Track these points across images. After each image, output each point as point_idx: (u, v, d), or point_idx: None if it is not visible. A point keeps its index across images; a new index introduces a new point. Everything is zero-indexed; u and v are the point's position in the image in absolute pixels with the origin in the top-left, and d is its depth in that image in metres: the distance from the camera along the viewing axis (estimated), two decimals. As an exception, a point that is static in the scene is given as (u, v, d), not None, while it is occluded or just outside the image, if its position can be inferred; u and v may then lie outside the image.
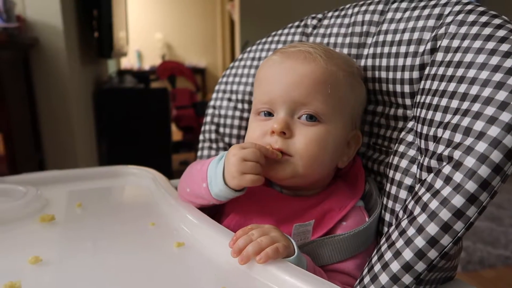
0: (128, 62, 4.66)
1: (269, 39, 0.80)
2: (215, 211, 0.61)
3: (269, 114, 0.58)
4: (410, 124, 0.58)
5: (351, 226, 0.55)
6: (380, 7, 0.65)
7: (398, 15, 0.61)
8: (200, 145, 0.82)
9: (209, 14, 5.11)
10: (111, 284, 0.42)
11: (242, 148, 0.53)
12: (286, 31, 0.78)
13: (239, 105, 0.80)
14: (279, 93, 0.56)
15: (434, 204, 0.44)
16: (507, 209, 2.19)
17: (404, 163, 0.55)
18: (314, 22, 0.75)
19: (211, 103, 0.83)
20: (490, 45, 0.46)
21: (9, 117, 1.52)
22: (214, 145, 0.81)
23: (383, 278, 0.46)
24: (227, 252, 0.46)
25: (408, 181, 0.54)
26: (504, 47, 0.45)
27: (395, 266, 0.45)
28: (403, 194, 0.54)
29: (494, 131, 0.41)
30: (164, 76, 3.20)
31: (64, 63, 1.83)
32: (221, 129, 0.80)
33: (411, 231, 0.45)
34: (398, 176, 0.55)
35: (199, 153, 0.81)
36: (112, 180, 0.73)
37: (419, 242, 0.44)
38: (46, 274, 0.42)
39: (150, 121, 2.41)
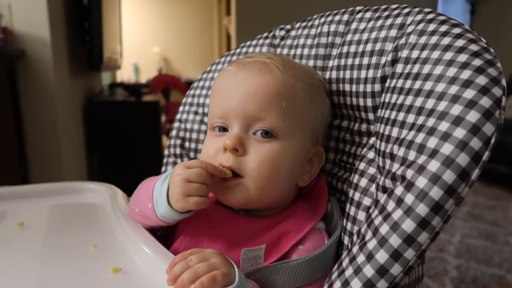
0: (125, 75, 4.67)
1: (237, 50, 0.77)
2: (169, 233, 0.57)
3: (224, 129, 0.54)
4: (371, 140, 0.54)
5: (308, 250, 0.51)
6: (345, 17, 0.62)
7: (362, 25, 0.58)
8: (164, 160, 0.78)
9: (206, 29, 5.14)
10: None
11: (187, 167, 0.49)
12: (254, 42, 0.76)
13: (206, 119, 0.76)
14: (233, 106, 0.52)
15: (384, 229, 0.40)
16: (502, 227, 2.13)
17: (363, 182, 0.51)
18: (282, 33, 0.72)
19: (178, 116, 0.80)
20: (448, 55, 0.43)
21: (-11, 129, 1.50)
22: (178, 160, 0.77)
23: (332, 310, 0.41)
24: (165, 279, 0.42)
25: (366, 201, 0.50)
26: (462, 57, 0.41)
27: (343, 298, 0.41)
28: (361, 215, 0.50)
29: (447, 148, 0.38)
30: (158, 90, 3.19)
31: (52, 75, 1.81)
32: (187, 144, 0.77)
33: (360, 258, 0.41)
34: (357, 196, 0.51)
35: (163, 168, 0.78)
36: (67, 197, 0.69)
37: (368, 271, 0.40)
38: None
39: (141, 134, 2.39)
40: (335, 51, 0.62)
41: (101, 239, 0.54)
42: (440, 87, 0.41)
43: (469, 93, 0.39)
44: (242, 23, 3.31)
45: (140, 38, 4.86)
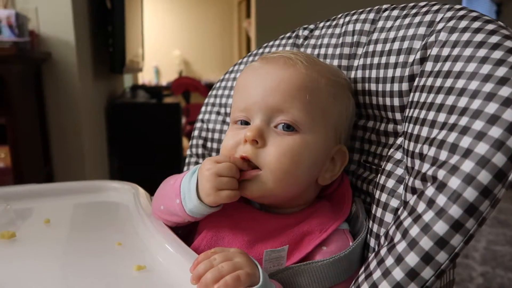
0: (146, 78, 4.74)
1: (260, 50, 0.76)
2: (189, 232, 0.57)
3: (246, 123, 0.53)
4: (399, 141, 0.53)
5: (332, 252, 0.49)
6: (371, 15, 0.61)
7: (389, 24, 0.57)
8: (186, 160, 0.78)
9: (226, 31, 5.17)
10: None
11: (216, 162, 0.49)
12: (277, 42, 0.75)
13: (228, 119, 0.76)
14: (255, 99, 0.51)
15: (414, 231, 0.38)
16: (531, 234, 2.06)
17: (390, 183, 0.50)
18: (306, 32, 0.71)
19: (200, 116, 0.80)
20: (482, 52, 0.41)
21: (16, 130, 1.54)
22: (200, 160, 0.77)
23: (358, 314, 0.40)
24: (189, 278, 0.41)
25: (394, 203, 0.48)
26: (497, 54, 0.40)
27: (371, 301, 0.40)
28: (388, 217, 0.48)
29: (482, 148, 0.36)
30: (179, 92, 3.22)
31: (76, 78, 1.85)
32: (209, 144, 0.77)
33: (389, 261, 0.40)
34: (384, 197, 0.50)
35: (185, 168, 0.78)
36: (91, 196, 0.70)
37: (397, 274, 0.38)
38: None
39: (162, 136, 2.41)
40: (360, 50, 0.60)
41: (125, 237, 0.54)
42: (474, 85, 0.40)
43: (506, 91, 0.37)
44: (262, 25, 3.32)
45: (161, 41, 4.92)
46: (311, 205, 0.56)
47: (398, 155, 0.51)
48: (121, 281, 0.44)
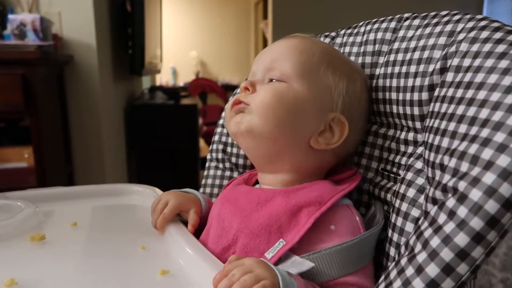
0: (164, 79, 4.79)
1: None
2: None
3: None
4: (419, 150, 0.53)
5: (341, 231, 0.49)
6: (392, 24, 0.61)
7: (410, 33, 0.57)
8: (207, 164, 0.80)
9: (243, 33, 5.19)
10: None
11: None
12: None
13: (248, 125, 0.77)
14: (257, 64, 0.58)
15: (435, 242, 0.39)
16: (554, 240, 2.01)
17: (411, 192, 0.50)
18: (327, 40, 0.72)
19: (220, 121, 0.81)
20: (504, 63, 0.41)
21: (40, 130, 1.58)
22: (220, 165, 0.78)
23: (378, 322, 0.41)
24: (210, 281, 0.42)
25: (415, 212, 0.49)
26: (519, 66, 0.40)
27: (391, 310, 0.40)
28: (409, 226, 0.49)
29: (504, 160, 0.36)
30: (196, 93, 3.25)
31: (97, 80, 1.89)
32: (229, 149, 0.78)
33: (409, 271, 0.40)
34: (404, 207, 0.50)
35: (205, 172, 0.79)
36: (115, 199, 0.72)
37: (418, 284, 0.39)
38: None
39: (179, 137, 2.44)
40: (382, 59, 0.61)
41: (148, 241, 0.55)
42: (495, 97, 0.40)
43: (527, 103, 0.37)
44: (278, 26, 3.32)
45: (178, 43, 4.97)
46: (310, 181, 0.55)
47: (419, 164, 0.52)
48: (146, 285, 0.46)
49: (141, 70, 2.19)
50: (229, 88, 3.78)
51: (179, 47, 4.97)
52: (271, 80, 0.55)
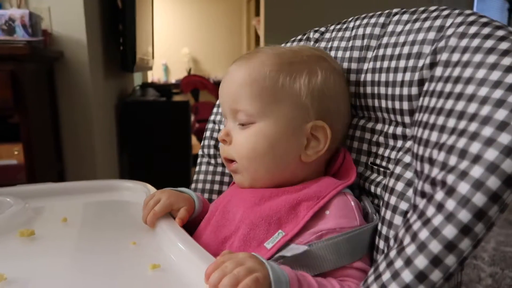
0: (155, 75, 4.76)
1: (270, 53, 0.77)
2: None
3: None
4: (408, 144, 0.53)
5: (335, 215, 0.52)
6: (381, 19, 0.61)
7: (399, 28, 0.57)
8: (198, 160, 0.80)
9: (235, 29, 5.18)
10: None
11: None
12: (288, 45, 0.76)
13: (239, 120, 0.77)
14: (223, 106, 0.60)
15: (424, 234, 0.39)
16: (541, 235, 2.04)
17: (400, 186, 0.51)
18: (317, 35, 0.72)
19: (212, 117, 0.81)
20: (491, 58, 0.42)
21: (30, 127, 1.57)
22: (212, 161, 0.78)
23: (367, 314, 0.41)
24: (202, 276, 0.42)
25: (403, 205, 0.49)
26: (506, 61, 0.40)
27: (380, 302, 0.41)
28: (397, 220, 0.49)
29: (491, 154, 0.37)
30: (188, 90, 3.24)
31: (87, 76, 1.88)
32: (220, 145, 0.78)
33: (398, 263, 0.41)
34: (393, 200, 0.51)
35: (197, 168, 0.79)
36: (106, 194, 0.72)
37: (406, 276, 0.39)
38: (7, 293, 0.41)
39: (172, 134, 2.43)
40: (370, 54, 0.61)
41: (139, 236, 0.55)
42: (483, 91, 0.41)
43: (515, 98, 0.38)
44: (271, 23, 3.31)
45: (170, 39, 4.94)
46: (312, 179, 0.58)
47: (407, 158, 0.52)
48: (137, 280, 0.46)
49: (133, 67, 2.17)
50: (221, 85, 3.77)
51: (170, 43, 4.94)
52: (242, 124, 0.57)
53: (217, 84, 3.72)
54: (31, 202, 0.64)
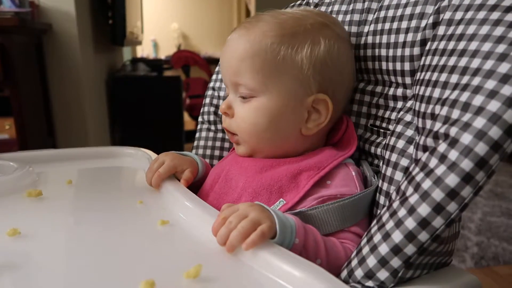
0: (145, 51, 4.68)
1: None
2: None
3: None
4: (409, 104, 0.55)
5: (337, 185, 0.53)
6: (383, -18, 0.61)
7: (402, -11, 0.58)
8: (198, 126, 0.80)
9: (225, 5, 5.08)
10: (87, 259, 0.41)
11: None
12: (288, 10, 0.76)
13: (238, 87, 0.77)
14: (224, 77, 0.60)
15: (427, 184, 0.41)
16: (526, 205, 2.11)
17: (400, 144, 0.52)
18: (316, 0, 0.72)
19: (211, 84, 0.81)
20: (495, 15, 0.43)
21: (21, 101, 1.54)
22: (212, 127, 0.79)
23: (371, 261, 0.43)
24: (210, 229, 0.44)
25: (404, 162, 0.51)
26: (510, 17, 0.41)
27: (383, 249, 0.42)
28: (398, 175, 0.51)
29: (494, 105, 0.38)
30: (178, 66, 3.20)
31: (77, 49, 1.84)
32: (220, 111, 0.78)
33: (402, 212, 0.42)
34: (394, 157, 0.52)
35: (197, 134, 0.80)
36: (107, 160, 0.72)
37: (410, 223, 0.41)
38: (21, 246, 0.42)
39: (163, 110, 2.42)
40: (371, 16, 0.61)
41: (146, 196, 0.56)
42: (487, 47, 0.42)
43: (518, 51, 0.39)
44: (261, -2, 3.26)
45: (159, 14, 4.84)
46: (313, 150, 0.59)
47: (408, 117, 0.53)
48: (148, 234, 0.47)
49: (123, 40, 2.14)
50: (212, 62, 3.72)
51: (159, 19, 4.83)
52: (243, 97, 0.57)
53: (208, 60, 3.68)
54: (34, 167, 0.64)
